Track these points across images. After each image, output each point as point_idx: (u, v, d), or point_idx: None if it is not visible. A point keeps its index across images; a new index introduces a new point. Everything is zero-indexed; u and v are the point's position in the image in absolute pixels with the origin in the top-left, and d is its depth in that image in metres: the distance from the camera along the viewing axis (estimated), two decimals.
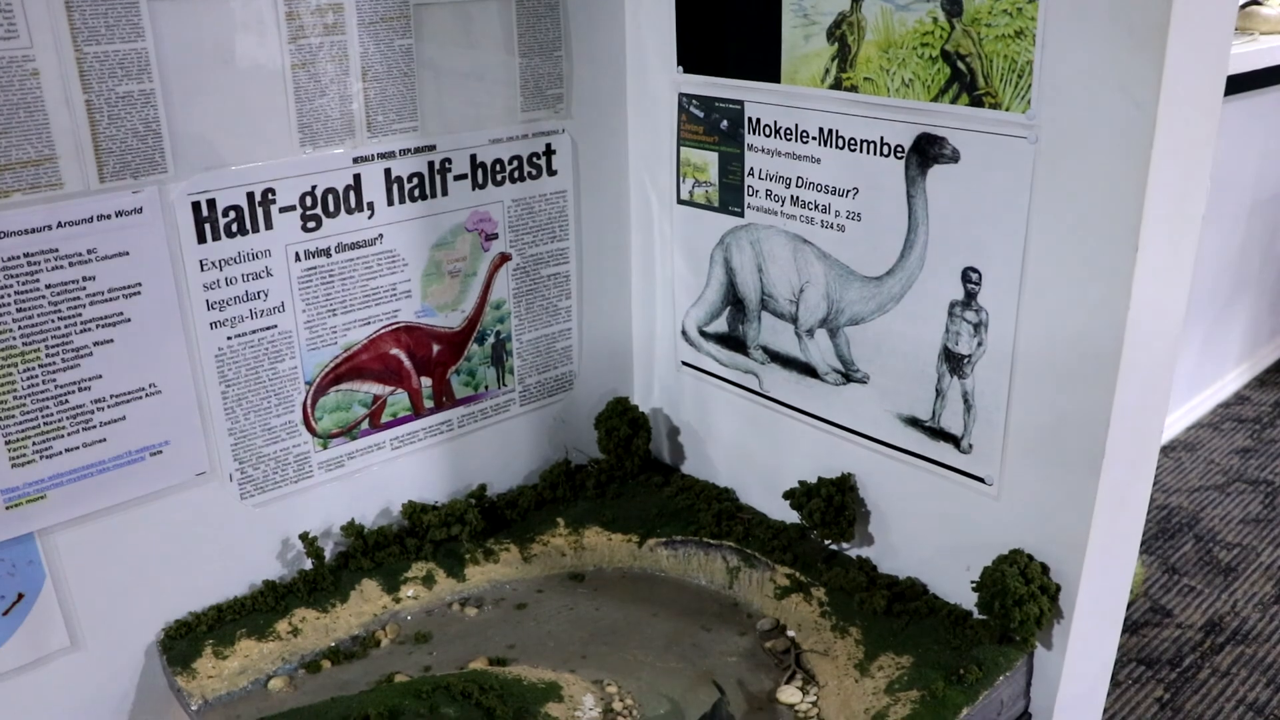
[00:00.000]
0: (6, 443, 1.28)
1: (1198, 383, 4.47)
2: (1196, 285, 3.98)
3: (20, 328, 1.25)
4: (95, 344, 1.31)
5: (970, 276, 1.32)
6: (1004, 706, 1.36)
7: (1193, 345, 4.20)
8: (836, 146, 1.43)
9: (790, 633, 1.49)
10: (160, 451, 1.41)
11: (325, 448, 1.56)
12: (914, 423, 1.45)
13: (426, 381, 1.63)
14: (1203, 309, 4.15)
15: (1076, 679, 1.41)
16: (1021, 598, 1.29)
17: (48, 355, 1.28)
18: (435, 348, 1.62)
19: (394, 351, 1.58)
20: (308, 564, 1.56)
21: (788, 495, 1.56)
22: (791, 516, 1.62)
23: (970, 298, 1.33)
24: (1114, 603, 1.45)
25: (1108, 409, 1.23)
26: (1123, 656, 2.95)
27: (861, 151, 1.40)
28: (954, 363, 1.37)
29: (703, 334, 1.73)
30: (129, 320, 1.33)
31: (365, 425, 1.59)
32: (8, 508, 1.30)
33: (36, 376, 1.28)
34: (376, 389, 1.58)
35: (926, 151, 1.32)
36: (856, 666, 1.38)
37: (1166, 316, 1.26)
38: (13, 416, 1.27)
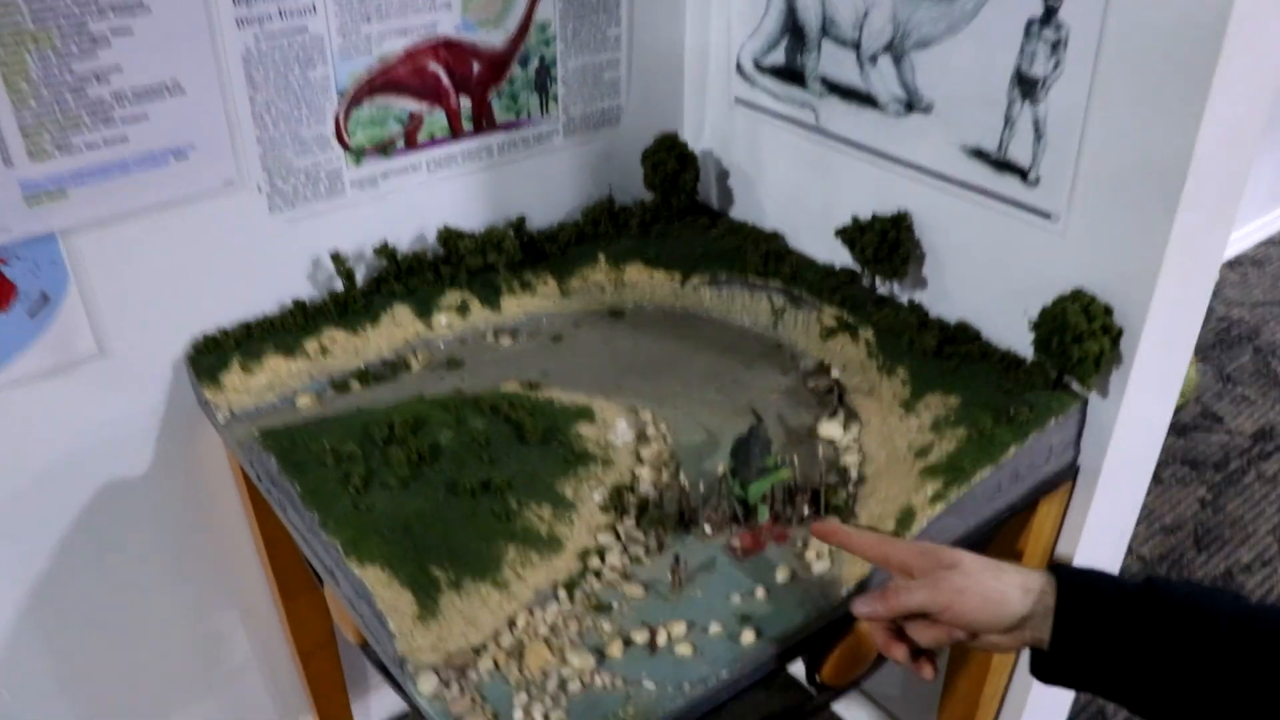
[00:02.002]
0: (23, 133, 1.22)
1: (1276, 197, 4.29)
2: None
3: (29, 5, 1.17)
4: (113, 32, 1.24)
5: None
6: (1052, 452, 1.31)
7: (1276, 157, 4.00)
8: None
9: (834, 373, 1.43)
10: (184, 155, 1.34)
11: (358, 165, 1.49)
12: (979, 155, 1.35)
13: (466, 102, 1.55)
14: None
15: (1129, 435, 1.34)
16: (1082, 334, 1.22)
17: (61, 41, 1.20)
18: (475, 66, 1.53)
19: (432, 66, 1.49)
20: (338, 285, 1.52)
21: (840, 232, 1.48)
22: (841, 260, 1.55)
23: (1050, 13, 1.21)
24: (1176, 359, 1.37)
25: (1191, 141, 1.13)
26: (1168, 457, 2.91)
27: None
28: (1027, 87, 1.27)
29: (758, 67, 1.62)
30: (149, 9, 1.25)
31: (400, 144, 1.51)
32: (27, 203, 1.25)
33: (51, 62, 1.21)
34: (413, 105, 1.50)
35: None
36: (902, 405, 1.33)
37: (1267, 45, 1.14)
38: (28, 104, 1.21)
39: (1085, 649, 0.91)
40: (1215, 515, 2.62)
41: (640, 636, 1.04)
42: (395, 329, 1.50)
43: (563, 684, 1.00)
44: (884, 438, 1.30)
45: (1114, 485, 1.39)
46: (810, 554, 1.14)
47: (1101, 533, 1.45)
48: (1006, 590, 0.94)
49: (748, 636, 1.04)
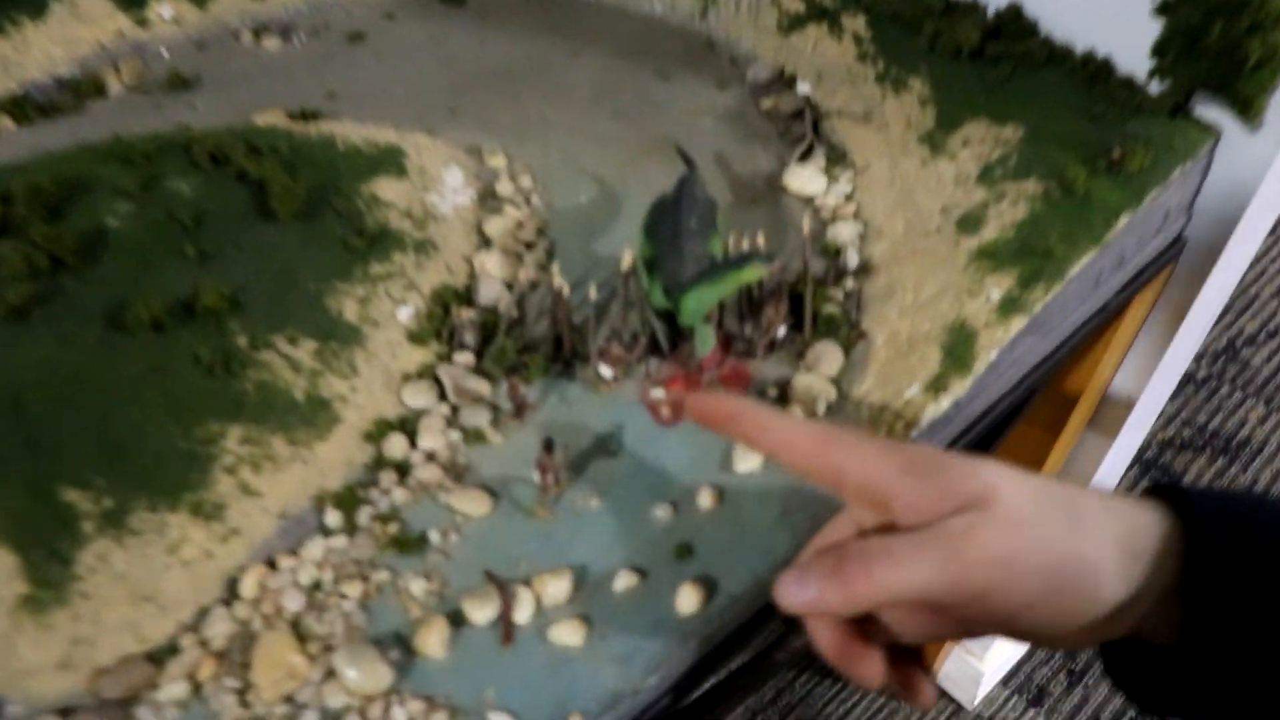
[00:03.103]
0: None
1: None
2: None
3: None
4: None
5: None
6: (1167, 220, 0.80)
7: None
8: None
9: (804, 87, 0.89)
10: None
11: None
12: None
13: None
14: None
15: (1275, 189, 0.84)
16: (1264, 20, 0.69)
17: None
18: None
19: None
20: None
21: None
22: None
23: None
24: None
25: None
26: None
27: None
28: None
29: None
30: None
31: None
32: None
33: None
34: None
35: None
36: (923, 140, 0.80)
37: None
38: None
39: (1255, 661, 0.41)
40: None
41: (481, 611, 0.53)
42: (79, 26, 0.90)
43: None
44: (899, 195, 0.78)
45: (1232, 264, 0.89)
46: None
47: (1192, 338, 0.96)
48: (1095, 558, 0.42)
49: (689, 597, 0.54)
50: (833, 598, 0.42)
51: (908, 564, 0.41)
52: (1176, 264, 0.87)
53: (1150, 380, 0.96)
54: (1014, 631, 0.42)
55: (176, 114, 0.85)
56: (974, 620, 0.42)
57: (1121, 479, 1.20)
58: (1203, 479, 1.70)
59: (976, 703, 1.39)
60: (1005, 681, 1.42)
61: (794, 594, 0.43)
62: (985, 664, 1.34)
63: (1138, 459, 1.71)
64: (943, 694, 1.41)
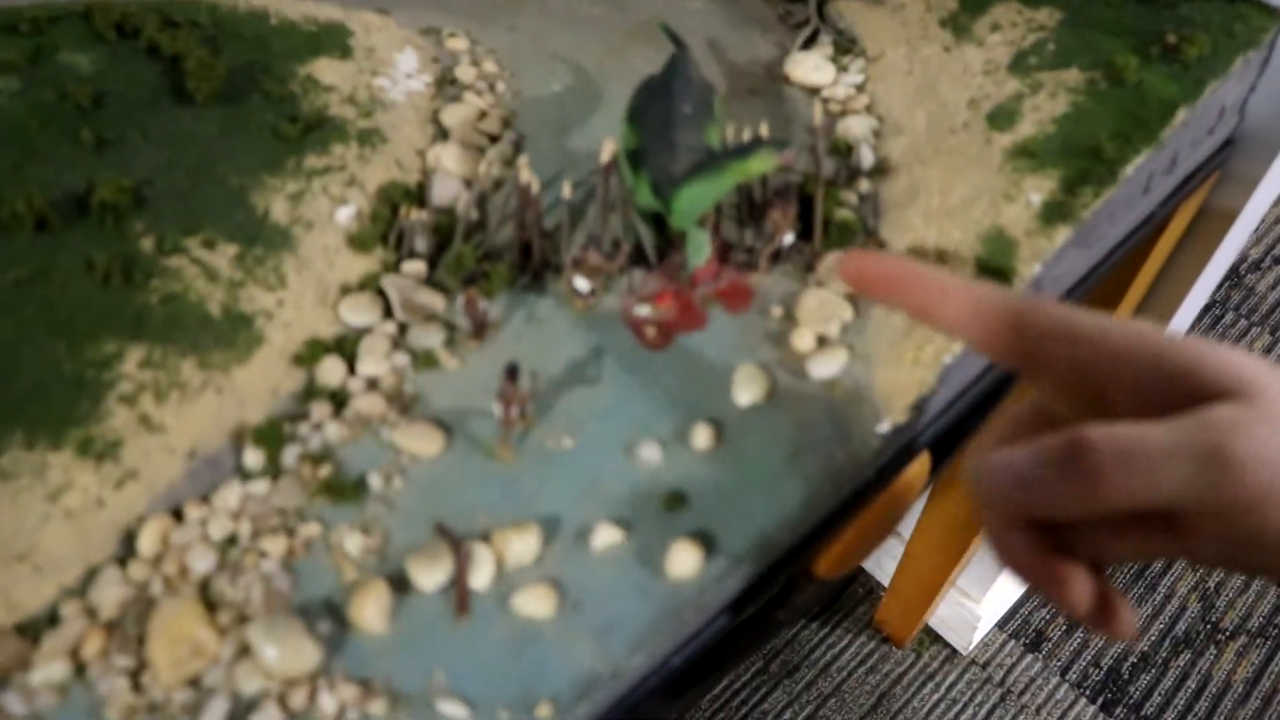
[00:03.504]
0: None
1: None
2: None
3: None
4: None
5: None
6: (1223, 117, 0.71)
7: None
8: None
9: None
10: None
11: None
12: None
13: None
14: None
15: None
16: None
17: None
18: None
19: None
20: None
21: None
22: None
23: None
24: None
25: None
26: None
27: None
28: None
29: None
30: None
31: None
32: None
33: None
34: None
35: None
36: (945, 24, 0.70)
37: None
38: None
39: None
40: None
41: (430, 574, 0.44)
42: None
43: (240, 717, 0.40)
44: (918, 85, 0.68)
45: None
46: (804, 335, 0.54)
47: (1228, 255, 0.87)
48: None
49: (682, 557, 0.45)
50: (1058, 493, 0.33)
51: (1163, 461, 0.32)
52: (1224, 170, 0.78)
53: (1183, 304, 0.87)
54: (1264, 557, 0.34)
55: None
56: (1226, 538, 0.33)
57: None
58: None
59: (972, 647, 1.32)
60: (1002, 625, 1.35)
61: (1000, 481, 0.34)
62: (982, 607, 1.27)
63: None
64: (937, 638, 1.34)
